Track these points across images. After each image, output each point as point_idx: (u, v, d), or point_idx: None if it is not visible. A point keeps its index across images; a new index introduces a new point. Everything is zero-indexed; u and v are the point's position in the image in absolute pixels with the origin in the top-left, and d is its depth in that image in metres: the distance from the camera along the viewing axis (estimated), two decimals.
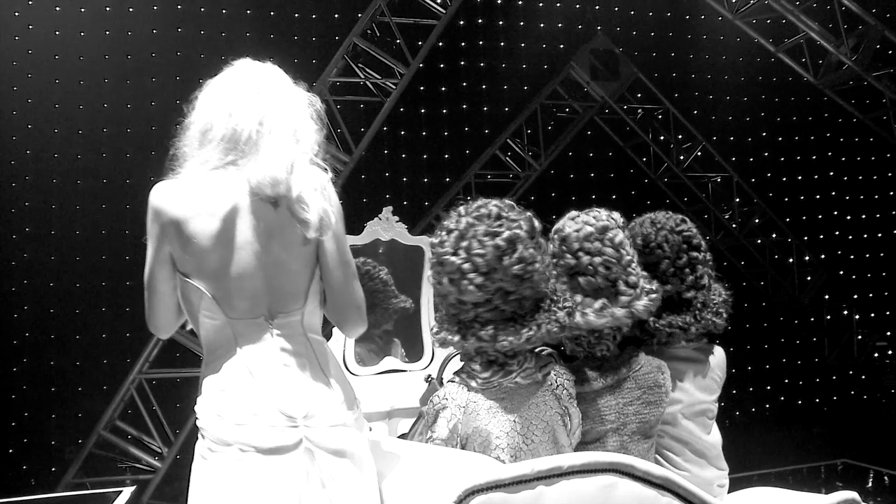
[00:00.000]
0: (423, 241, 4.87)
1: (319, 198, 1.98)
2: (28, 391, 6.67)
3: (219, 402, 1.92)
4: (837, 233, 9.07)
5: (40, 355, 6.72)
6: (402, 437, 2.43)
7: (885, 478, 6.35)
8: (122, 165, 6.85)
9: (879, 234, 9.14)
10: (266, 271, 1.96)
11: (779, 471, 6.53)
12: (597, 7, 8.22)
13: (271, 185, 1.92)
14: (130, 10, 6.88)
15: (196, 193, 1.94)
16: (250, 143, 1.95)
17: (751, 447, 7.18)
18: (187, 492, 1.99)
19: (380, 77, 6.76)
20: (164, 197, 1.95)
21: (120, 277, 6.70)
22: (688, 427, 2.83)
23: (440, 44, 7.47)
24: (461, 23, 7.76)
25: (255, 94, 1.98)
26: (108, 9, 6.83)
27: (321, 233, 1.98)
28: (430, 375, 2.53)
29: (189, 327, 2.09)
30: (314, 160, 2.05)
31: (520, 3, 8.12)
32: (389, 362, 4.48)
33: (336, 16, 7.39)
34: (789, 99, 8.85)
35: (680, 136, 8.31)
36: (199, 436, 1.95)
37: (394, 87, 6.71)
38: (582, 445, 2.51)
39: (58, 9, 6.74)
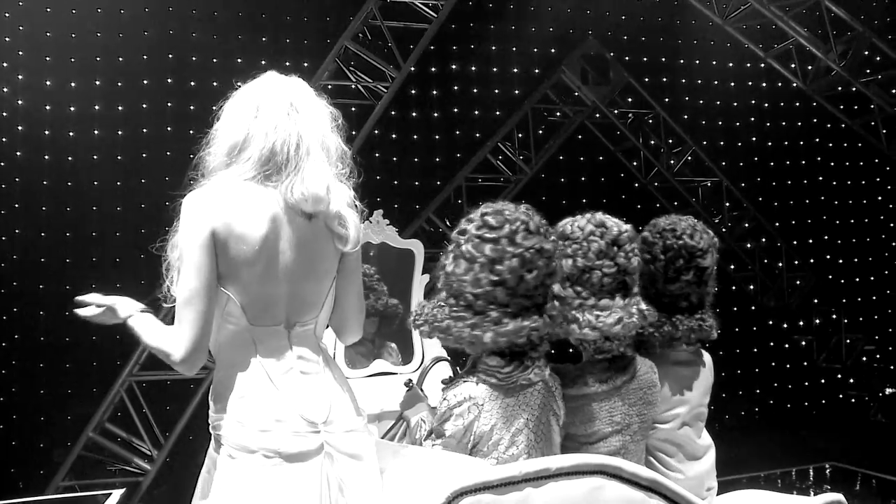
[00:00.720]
0: (413, 245, 4.87)
1: (354, 214, 2.07)
2: (18, 394, 6.65)
3: (239, 408, 1.93)
4: (826, 237, 9.12)
5: (30, 358, 6.70)
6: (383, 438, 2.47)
7: (873, 480, 6.38)
8: (114, 168, 6.84)
9: (868, 239, 9.20)
10: (292, 281, 2.00)
11: (767, 474, 6.56)
12: (588, 12, 8.25)
13: (314, 203, 1.99)
14: (121, 11, 6.87)
15: (239, 204, 1.96)
16: (289, 161, 1.99)
17: (740, 450, 7.19)
18: (189, 498, 2.02)
19: (371, 80, 6.77)
20: (210, 205, 1.94)
21: (110, 280, 6.67)
22: (686, 432, 2.88)
23: (432, 48, 7.48)
24: (452, 27, 7.77)
25: (290, 112, 2.02)
26: (99, 10, 6.82)
27: (355, 246, 2.06)
28: (409, 380, 2.55)
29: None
30: (345, 182, 2.11)
31: (511, 7, 8.14)
32: (379, 365, 4.48)
33: (328, 19, 7.40)
34: (778, 104, 8.91)
35: (670, 141, 8.35)
36: (216, 443, 1.96)
37: (385, 90, 6.72)
38: (587, 446, 2.55)
39: (48, 10, 6.72)
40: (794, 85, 8.10)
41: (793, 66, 7.91)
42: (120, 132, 6.93)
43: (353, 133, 6.76)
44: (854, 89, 7.79)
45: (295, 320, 2.01)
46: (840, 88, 7.98)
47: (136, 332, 2.05)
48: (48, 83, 6.73)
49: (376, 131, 7.28)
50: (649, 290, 2.87)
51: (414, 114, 7.84)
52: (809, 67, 7.92)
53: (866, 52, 7.61)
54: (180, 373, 1.96)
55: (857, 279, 9.18)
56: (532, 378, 2.31)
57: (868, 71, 7.74)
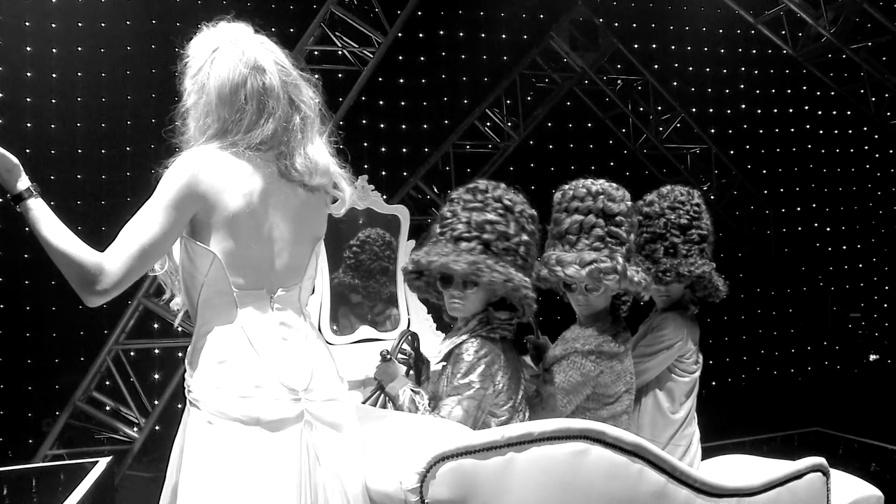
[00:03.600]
0: (399, 210, 4.85)
1: (347, 177, 2.07)
2: (4, 363, 6.61)
3: (218, 373, 1.89)
4: (814, 205, 9.14)
5: (16, 327, 6.66)
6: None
7: (856, 445, 6.46)
8: (110, 160, 6.79)
9: (855, 207, 9.23)
10: (280, 246, 1.97)
11: (753, 439, 6.61)
12: None
13: (321, 174, 1.99)
14: (128, 1, 6.75)
15: (234, 169, 1.91)
16: (286, 133, 1.96)
17: (726, 416, 7.26)
18: (166, 464, 1.97)
19: (357, 46, 6.68)
20: (202, 166, 1.89)
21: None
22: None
23: (419, 13, 7.38)
24: None
25: (282, 82, 1.98)
26: (102, 1, 6.68)
27: (343, 209, 2.08)
28: (385, 350, 2.56)
29: (171, 298, 2.06)
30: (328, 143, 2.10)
31: None
32: (365, 331, 4.48)
33: None
34: (768, 71, 8.87)
35: (659, 108, 8.31)
36: (192, 407, 1.91)
37: (371, 56, 6.64)
38: (608, 406, 2.68)
39: (53, 1, 6.60)
40: (785, 52, 8.05)
41: (783, 32, 7.86)
42: (129, 122, 6.86)
43: (340, 99, 6.69)
44: (844, 56, 7.75)
45: (278, 285, 1.97)
46: (830, 55, 7.93)
47: (38, 227, 1.86)
48: (28, 75, 6.63)
49: (363, 97, 7.20)
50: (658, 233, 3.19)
51: (401, 80, 7.75)
52: (800, 34, 7.87)
53: (857, 19, 7.56)
54: (84, 301, 1.83)
55: (844, 247, 9.22)
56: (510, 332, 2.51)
57: (859, 38, 7.69)
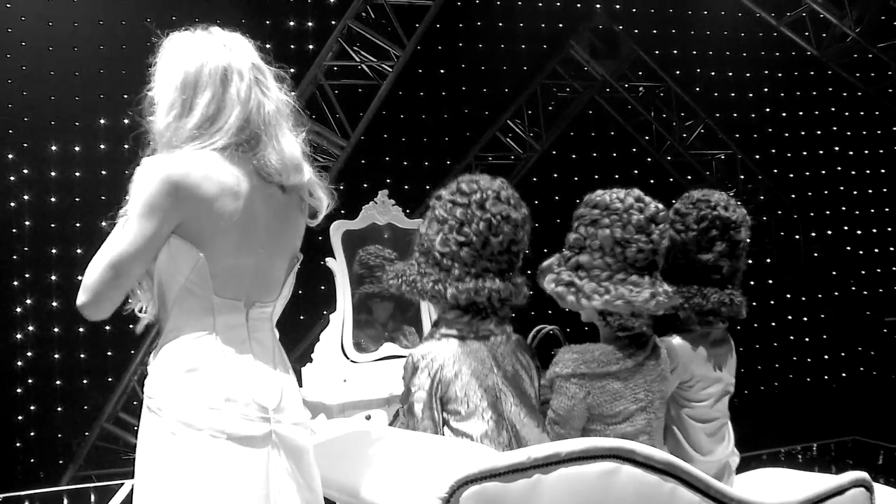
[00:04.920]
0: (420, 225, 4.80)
1: (323, 184, 2.01)
2: (34, 385, 6.65)
3: (187, 382, 1.80)
4: (844, 208, 8.98)
5: (45, 349, 6.70)
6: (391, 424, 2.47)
7: None
8: (120, 159, 6.79)
9: (886, 209, 9.05)
10: (260, 256, 1.91)
11: (788, 449, 6.48)
12: None
13: (294, 172, 1.92)
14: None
15: (218, 172, 1.85)
16: (262, 131, 1.90)
17: (760, 426, 7.12)
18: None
19: (376, 60, 6.68)
20: (186, 172, 1.82)
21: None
22: (719, 407, 2.93)
23: (437, 26, 7.37)
24: (458, 4, 7.65)
25: (256, 79, 1.93)
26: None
27: (318, 219, 2.01)
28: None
29: (133, 303, 1.95)
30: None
31: None
32: (388, 348, 4.43)
33: (331, 0, 7.31)
34: (793, 73, 8.74)
35: (682, 114, 8.22)
36: (152, 415, 1.82)
37: (390, 69, 6.63)
38: (614, 426, 2.56)
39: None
40: (809, 53, 7.93)
41: (807, 33, 7.74)
42: (126, 121, 6.87)
43: (360, 114, 6.68)
44: (871, 55, 7.61)
45: (255, 299, 1.91)
46: (856, 55, 7.80)
47: None
48: (24, 68, 6.62)
49: (383, 111, 7.18)
50: (679, 261, 2.89)
51: (421, 93, 7.74)
52: (824, 35, 7.75)
53: (883, 17, 7.43)
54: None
55: (877, 250, 9.04)
56: (493, 329, 2.45)
57: (885, 36, 7.56)
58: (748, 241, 2.98)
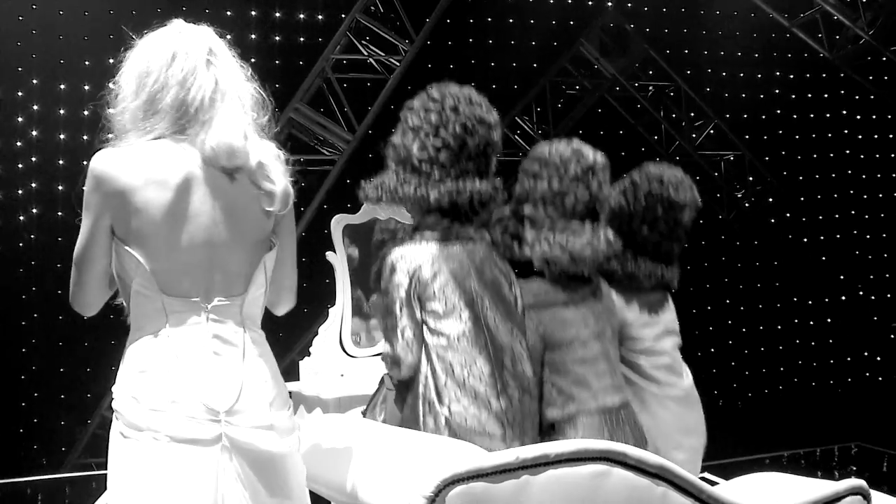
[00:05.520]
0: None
1: (279, 166, 1.92)
2: (37, 372, 6.68)
3: (137, 383, 1.80)
4: (853, 212, 8.91)
5: (49, 336, 6.72)
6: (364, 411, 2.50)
7: None
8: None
9: None
10: (212, 249, 1.85)
11: (791, 453, 6.44)
12: None
13: (227, 155, 1.84)
14: (134, 13, 6.79)
15: (145, 162, 1.82)
16: (202, 112, 1.85)
17: (763, 429, 7.11)
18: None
19: (384, 54, 6.66)
20: (108, 164, 1.82)
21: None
22: (666, 346, 3.14)
23: (447, 20, 7.34)
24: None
25: (209, 58, 1.89)
26: (111, 12, 6.72)
27: (283, 206, 1.90)
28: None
29: (119, 300, 1.97)
30: (264, 133, 1.97)
31: None
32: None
33: None
34: (804, 75, 8.67)
35: (692, 114, 8.17)
36: (114, 417, 1.84)
37: (398, 64, 6.61)
38: (571, 353, 2.70)
39: (61, 13, 6.67)
40: (821, 55, 7.87)
41: (819, 35, 7.68)
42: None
43: (368, 108, 6.67)
44: (884, 58, 7.55)
45: (216, 294, 1.86)
46: (869, 58, 7.74)
47: None
48: (19, 70, 6.62)
49: (391, 106, 7.16)
50: (623, 228, 3.08)
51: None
52: (836, 36, 7.69)
53: None
54: None
55: (886, 255, 8.98)
56: (472, 234, 2.51)
57: None
58: (690, 223, 3.15)
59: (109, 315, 6.29)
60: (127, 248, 1.82)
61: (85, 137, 6.20)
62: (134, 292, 1.85)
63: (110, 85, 1.96)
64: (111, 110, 1.93)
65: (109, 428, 1.90)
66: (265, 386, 1.88)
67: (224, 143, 1.83)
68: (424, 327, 2.42)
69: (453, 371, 2.40)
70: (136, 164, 1.82)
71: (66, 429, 6.66)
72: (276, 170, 1.91)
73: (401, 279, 2.42)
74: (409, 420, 2.46)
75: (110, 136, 1.94)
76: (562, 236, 2.64)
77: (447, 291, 2.44)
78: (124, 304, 1.95)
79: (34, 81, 6.69)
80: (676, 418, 3.14)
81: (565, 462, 1.76)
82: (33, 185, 6.75)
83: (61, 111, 6.77)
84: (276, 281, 1.99)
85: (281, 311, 2.10)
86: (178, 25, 1.95)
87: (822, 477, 5.78)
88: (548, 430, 2.77)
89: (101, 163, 1.83)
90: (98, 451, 6.25)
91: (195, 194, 1.83)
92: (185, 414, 1.76)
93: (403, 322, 2.42)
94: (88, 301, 1.91)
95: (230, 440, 1.79)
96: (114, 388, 1.85)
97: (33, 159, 6.72)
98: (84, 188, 1.84)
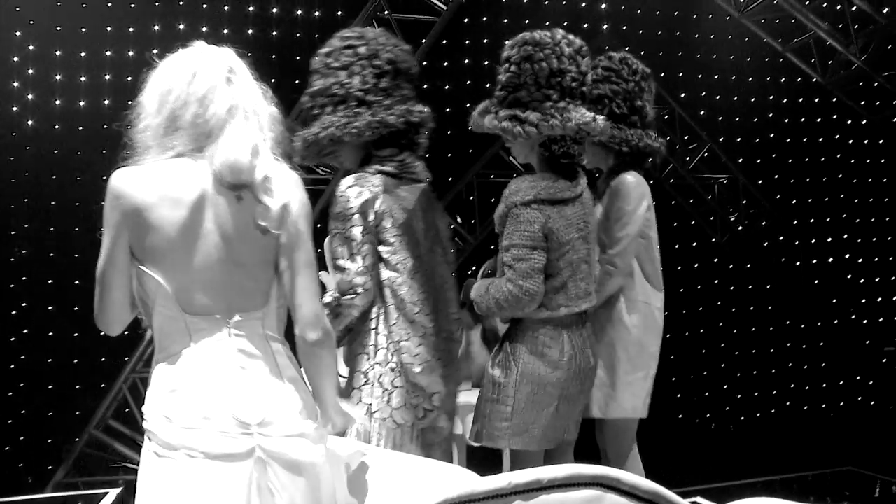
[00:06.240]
0: None
1: (286, 189, 1.91)
2: (25, 389, 6.62)
3: (168, 403, 1.81)
4: (846, 236, 8.94)
5: (38, 352, 6.67)
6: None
7: (894, 487, 6.23)
8: (123, 162, 6.78)
9: (889, 238, 9.01)
10: (228, 266, 1.87)
11: (783, 478, 6.41)
12: (602, 6, 8.13)
13: (232, 171, 1.85)
14: (132, 6, 6.82)
15: (160, 180, 1.84)
16: (217, 129, 1.87)
17: (756, 453, 7.08)
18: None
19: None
20: (125, 182, 1.85)
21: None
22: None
23: (443, 42, 7.38)
24: (465, 20, 7.67)
25: (226, 81, 1.91)
26: (109, 4, 6.76)
27: (279, 225, 1.89)
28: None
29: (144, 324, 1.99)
30: (280, 157, 1.99)
31: (525, 1, 8.02)
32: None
33: (339, 13, 7.32)
34: (797, 100, 8.73)
35: (686, 137, 8.21)
36: (147, 438, 1.85)
37: None
38: (564, 254, 2.79)
39: (59, 4, 6.68)
40: (814, 80, 7.93)
41: (812, 60, 7.75)
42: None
43: (427, 110, 6.65)
44: (875, 84, 7.61)
45: (235, 310, 1.87)
46: (861, 83, 7.80)
47: None
48: (30, 72, 6.66)
49: None
50: (621, 107, 3.42)
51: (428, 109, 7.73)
52: (829, 62, 7.75)
53: (889, 46, 7.44)
54: None
55: (878, 279, 9.00)
56: (419, 174, 2.69)
57: (890, 65, 7.57)
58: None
59: (99, 332, 6.26)
60: (145, 268, 1.85)
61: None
62: (157, 314, 1.86)
63: (132, 103, 2.01)
64: (133, 128, 1.95)
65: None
66: (293, 396, 1.90)
67: (229, 159, 1.84)
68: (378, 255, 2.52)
69: (404, 307, 2.45)
70: (152, 181, 1.85)
71: (53, 447, 6.58)
72: (279, 187, 1.90)
73: (357, 204, 2.51)
74: (351, 359, 2.51)
75: (131, 153, 1.98)
76: (568, 113, 2.72)
77: (399, 228, 2.55)
78: (147, 325, 1.97)
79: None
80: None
81: (558, 487, 1.74)
82: (25, 199, 6.73)
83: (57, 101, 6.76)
84: (291, 301, 1.97)
85: (306, 334, 1.99)
86: (199, 46, 1.99)
87: (815, 502, 5.75)
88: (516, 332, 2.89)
89: (119, 180, 1.87)
90: (86, 469, 6.19)
91: (208, 212, 1.85)
92: (217, 429, 1.78)
93: (364, 248, 2.49)
94: (111, 320, 1.92)
95: (264, 451, 1.80)
96: (144, 409, 1.86)
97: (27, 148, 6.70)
98: (105, 205, 1.87)
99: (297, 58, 7.00)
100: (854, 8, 7.31)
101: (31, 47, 6.66)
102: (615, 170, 3.57)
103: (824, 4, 7.43)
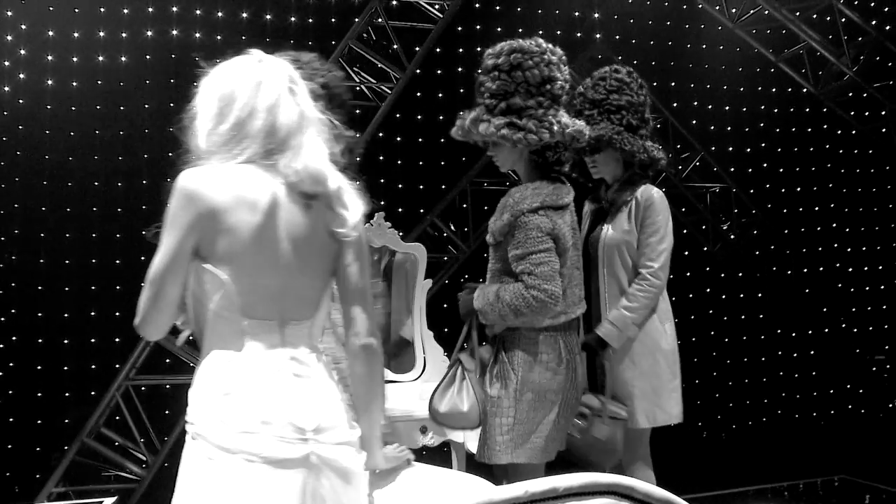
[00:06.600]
0: (416, 248, 4.78)
1: (355, 197, 1.96)
2: (14, 397, 6.55)
3: (223, 406, 1.79)
4: (836, 245, 9.00)
5: (27, 359, 6.60)
6: None
7: (884, 495, 6.25)
8: (114, 168, 6.75)
9: (878, 247, 9.08)
10: (291, 273, 1.88)
11: (775, 486, 6.43)
12: (596, 15, 8.16)
13: (313, 180, 1.87)
14: (125, 11, 6.80)
15: (234, 183, 1.83)
16: (291, 137, 1.88)
17: (747, 462, 7.09)
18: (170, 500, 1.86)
19: (375, 81, 6.68)
20: (200, 183, 1.82)
21: (110, 281, 6.60)
22: None
23: (437, 50, 7.39)
24: (459, 29, 7.68)
25: (289, 90, 1.92)
26: (102, 10, 6.74)
27: (356, 230, 1.94)
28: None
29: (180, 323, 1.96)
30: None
31: (518, 9, 8.05)
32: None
33: (333, 20, 7.32)
34: (789, 110, 8.80)
35: (678, 146, 8.25)
36: (192, 441, 1.81)
37: (390, 91, 6.63)
38: (564, 262, 2.81)
39: (51, 9, 6.65)
40: (805, 90, 7.99)
41: (803, 70, 7.81)
42: (122, 132, 6.84)
43: (358, 135, 6.65)
44: (866, 94, 7.69)
45: (289, 317, 1.88)
46: (851, 94, 7.87)
47: None
48: (49, 83, 6.65)
49: (380, 133, 7.18)
50: (633, 119, 3.49)
51: (419, 116, 7.74)
52: (820, 72, 7.82)
53: (878, 57, 7.51)
54: None
55: (867, 288, 9.06)
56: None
57: (880, 76, 7.64)
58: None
59: (91, 339, 6.21)
60: (210, 267, 1.82)
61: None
62: (213, 314, 1.83)
63: (192, 118, 1.97)
64: (190, 134, 1.93)
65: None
66: (340, 405, 1.91)
67: (312, 167, 1.87)
68: None
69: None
70: (226, 183, 1.83)
71: (41, 455, 6.51)
72: (350, 196, 1.96)
73: None
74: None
75: (192, 157, 1.95)
76: (563, 120, 2.76)
77: None
78: (189, 325, 1.93)
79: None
80: None
81: (574, 496, 1.74)
82: (15, 205, 6.68)
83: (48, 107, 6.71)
84: (350, 312, 1.99)
85: (357, 339, 2.01)
86: (257, 55, 1.98)
87: None
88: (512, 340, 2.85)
89: (193, 181, 1.83)
90: (78, 479, 6.11)
91: (280, 218, 1.85)
92: (275, 435, 1.76)
93: None
94: (163, 322, 1.87)
95: (319, 458, 1.80)
96: (191, 412, 1.83)
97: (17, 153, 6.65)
98: (169, 207, 1.83)
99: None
100: (845, 20, 7.38)
101: (21, 52, 6.63)
102: (628, 181, 3.58)
103: (814, 16, 7.50)
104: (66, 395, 6.59)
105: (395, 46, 6.59)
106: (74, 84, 6.72)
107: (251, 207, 1.81)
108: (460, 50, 7.90)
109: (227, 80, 1.92)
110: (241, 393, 1.79)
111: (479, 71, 3.02)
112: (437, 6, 6.67)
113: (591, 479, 1.78)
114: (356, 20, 6.60)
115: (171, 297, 1.83)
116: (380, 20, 6.55)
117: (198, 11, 6.99)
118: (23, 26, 6.62)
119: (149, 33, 6.85)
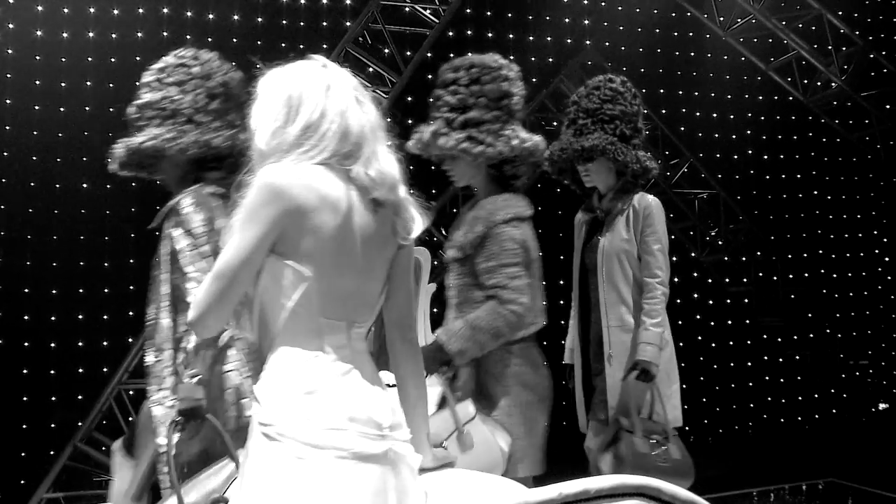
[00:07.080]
0: (420, 253, 4.76)
1: (417, 205, 1.98)
2: (0, 400, 6.46)
3: (307, 404, 1.78)
4: (821, 251, 9.11)
5: (14, 363, 6.52)
6: None
7: (869, 498, 6.33)
8: (102, 170, 6.67)
9: (862, 254, 9.20)
10: (362, 275, 1.89)
11: (761, 490, 6.48)
12: (586, 22, 8.21)
13: (389, 187, 1.89)
14: (115, 12, 6.76)
15: (318, 183, 1.83)
16: (365, 143, 1.89)
17: (733, 466, 7.13)
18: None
19: (370, 85, 6.68)
20: (289, 181, 1.80)
21: (98, 284, 6.54)
22: None
23: (429, 55, 7.41)
24: (450, 34, 7.70)
25: (355, 99, 1.93)
26: (91, 10, 6.70)
27: (415, 234, 1.98)
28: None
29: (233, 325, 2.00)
30: None
31: (510, 15, 8.09)
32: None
33: (324, 24, 7.32)
34: (777, 117, 8.90)
35: (667, 153, 8.31)
36: (273, 442, 1.78)
37: (385, 95, 6.63)
38: (528, 266, 2.79)
39: (39, 9, 6.59)
40: (792, 98, 8.09)
41: (789, 79, 7.90)
42: (111, 134, 6.76)
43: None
44: (849, 104, 7.79)
45: (354, 319, 1.89)
46: (836, 102, 7.98)
47: None
48: (37, 83, 6.60)
49: None
50: (626, 128, 3.51)
51: (410, 120, 7.74)
52: (806, 81, 7.92)
53: (867, 67, 7.62)
54: None
55: (851, 293, 9.17)
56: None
57: (867, 86, 7.75)
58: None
59: (78, 342, 6.13)
60: (294, 263, 1.81)
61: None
62: (290, 312, 1.82)
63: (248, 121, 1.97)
64: (254, 135, 1.92)
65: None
66: (398, 405, 1.94)
67: (389, 174, 1.89)
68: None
69: None
70: (312, 183, 1.82)
71: (27, 461, 6.42)
72: (415, 206, 1.98)
73: (199, 227, 2.56)
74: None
75: (252, 161, 1.94)
76: (520, 135, 2.75)
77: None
78: (247, 321, 1.91)
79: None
80: None
81: (605, 498, 1.76)
82: (1, 206, 6.60)
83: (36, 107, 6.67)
84: (399, 310, 2.01)
85: (412, 337, 2.05)
86: (321, 60, 1.98)
87: None
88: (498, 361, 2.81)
89: (281, 178, 1.81)
90: (69, 485, 6.03)
91: (355, 221, 1.86)
92: (360, 431, 1.78)
93: (196, 275, 2.52)
94: (225, 317, 1.84)
95: (395, 453, 1.82)
96: (269, 413, 1.80)
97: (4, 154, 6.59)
98: (248, 201, 1.81)
99: None
100: (833, 30, 7.48)
101: (9, 51, 6.56)
102: (622, 189, 3.59)
103: (803, 26, 7.59)
104: (53, 399, 6.51)
105: (387, 51, 6.60)
106: (63, 84, 6.66)
107: (333, 209, 1.82)
108: (451, 55, 7.84)
109: (295, 82, 1.91)
110: (325, 391, 1.79)
111: (437, 85, 2.99)
112: (431, 10, 6.69)
113: (621, 481, 1.81)
114: (348, 24, 6.60)
115: (239, 291, 1.82)
116: (376, 24, 6.55)
117: (188, 13, 6.96)
118: (10, 26, 6.55)
119: (139, 35, 6.80)
